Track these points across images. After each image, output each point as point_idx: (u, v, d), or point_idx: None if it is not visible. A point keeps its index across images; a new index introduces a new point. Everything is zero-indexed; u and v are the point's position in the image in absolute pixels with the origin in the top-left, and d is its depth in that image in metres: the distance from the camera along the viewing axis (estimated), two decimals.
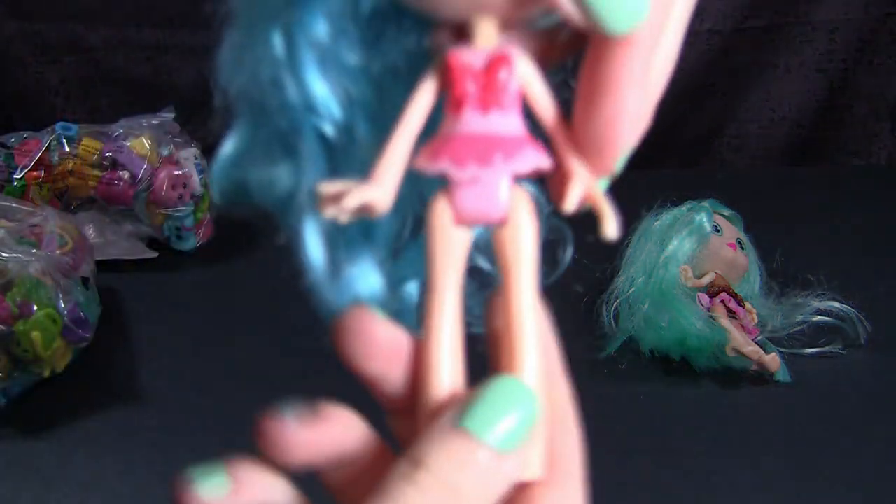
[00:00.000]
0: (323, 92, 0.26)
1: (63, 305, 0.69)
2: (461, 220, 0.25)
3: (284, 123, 0.26)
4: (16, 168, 0.90)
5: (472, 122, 0.25)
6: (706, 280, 0.75)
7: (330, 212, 0.24)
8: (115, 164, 0.89)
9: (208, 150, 0.91)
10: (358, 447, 0.26)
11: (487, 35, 0.25)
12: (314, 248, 0.26)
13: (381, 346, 0.26)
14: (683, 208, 0.78)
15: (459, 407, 0.24)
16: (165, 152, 0.91)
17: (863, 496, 0.60)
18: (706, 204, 0.79)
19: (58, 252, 0.72)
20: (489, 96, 0.25)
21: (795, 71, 1.19)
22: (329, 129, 0.26)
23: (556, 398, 0.27)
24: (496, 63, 0.25)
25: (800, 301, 0.77)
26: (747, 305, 0.74)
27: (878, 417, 0.68)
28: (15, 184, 0.89)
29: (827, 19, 1.16)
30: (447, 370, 0.26)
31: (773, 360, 0.70)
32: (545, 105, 0.26)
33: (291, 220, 0.26)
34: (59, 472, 0.63)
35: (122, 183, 0.89)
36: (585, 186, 0.25)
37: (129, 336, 0.78)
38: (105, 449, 0.65)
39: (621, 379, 0.73)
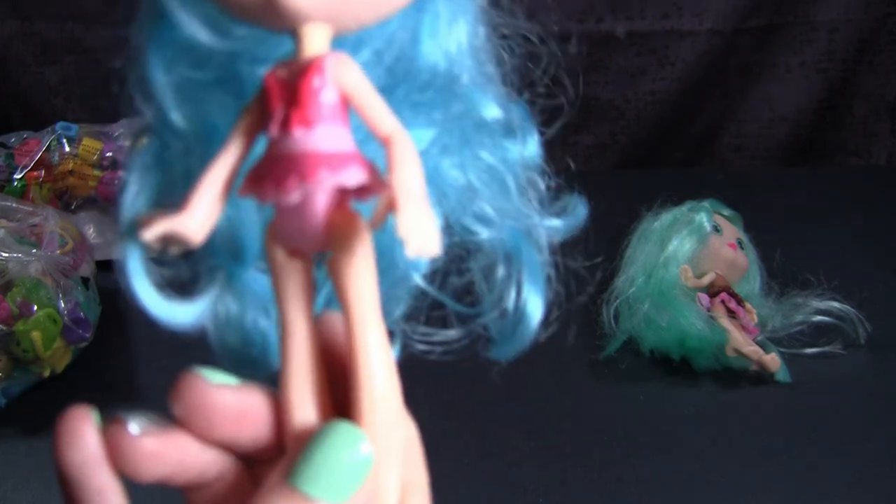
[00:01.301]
0: (168, 102, 0.24)
1: (63, 305, 0.69)
2: (290, 250, 0.24)
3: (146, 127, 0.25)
4: (16, 168, 0.90)
5: (281, 142, 0.22)
6: (706, 280, 0.75)
7: (142, 240, 0.23)
8: (115, 164, 0.89)
9: None
10: (214, 469, 0.25)
11: (312, 46, 0.23)
12: (136, 273, 0.25)
13: (222, 414, 0.24)
14: (683, 208, 0.78)
15: (289, 463, 0.23)
16: None
17: (863, 496, 0.60)
18: (706, 204, 0.79)
19: (58, 252, 0.72)
20: (293, 112, 0.22)
21: (795, 71, 1.19)
22: (166, 132, 0.25)
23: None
24: (304, 74, 0.22)
25: (800, 301, 0.77)
26: (747, 305, 0.74)
27: (878, 417, 0.68)
28: (15, 184, 0.89)
29: (827, 19, 1.16)
30: (301, 412, 0.24)
31: (773, 360, 0.70)
32: (373, 112, 0.23)
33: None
34: None
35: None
36: (388, 197, 0.22)
37: (129, 336, 0.78)
38: None
39: (621, 379, 0.72)
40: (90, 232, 0.90)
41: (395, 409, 0.24)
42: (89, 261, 0.76)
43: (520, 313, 0.28)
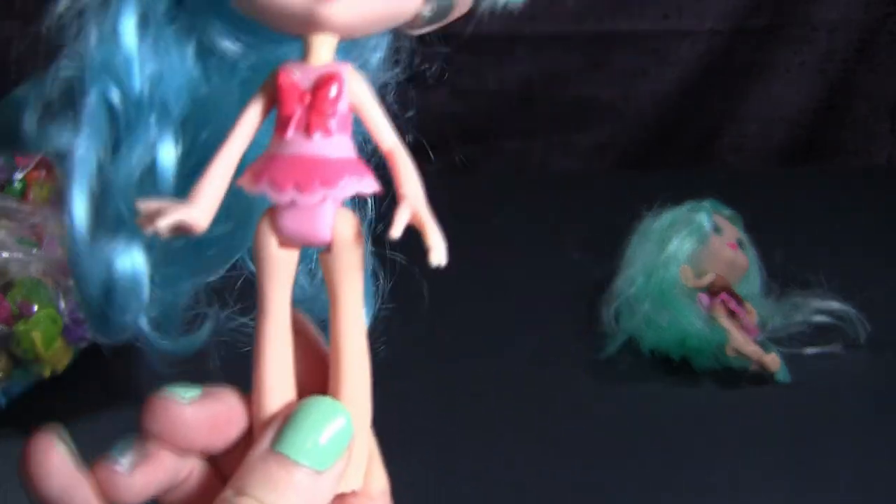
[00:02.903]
0: (130, 46, 0.24)
1: (63, 305, 0.69)
2: (284, 241, 0.25)
3: (74, 76, 0.25)
4: (16, 168, 0.90)
5: (296, 143, 0.24)
6: (706, 280, 0.75)
7: (148, 230, 0.24)
8: None
9: None
10: (186, 471, 0.27)
11: (322, 53, 0.25)
12: (79, 212, 0.25)
13: (198, 428, 0.26)
14: (683, 208, 0.78)
15: (274, 431, 0.25)
16: None
17: (863, 496, 0.61)
18: (706, 204, 0.79)
19: (58, 252, 0.72)
20: (315, 118, 0.24)
21: (795, 71, 1.19)
22: (116, 98, 0.25)
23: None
24: (325, 83, 0.24)
25: (800, 301, 0.77)
26: (747, 305, 0.74)
27: (878, 417, 0.68)
28: (15, 184, 0.89)
29: (827, 19, 1.16)
30: (278, 390, 0.26)
31: (773, 360, 0.70)
32: (379, 126, 0.25)
33: (63, 179, 0.25)
34: None
35: None
36: (412, 211, 0.24)
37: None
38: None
39: (621, 379, 0.72)
40: None
41: (367, 388, 0.26)
42: None
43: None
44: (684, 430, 0.67)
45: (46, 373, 0.69)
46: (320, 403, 0.25)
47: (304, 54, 0.25)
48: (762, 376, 0.71)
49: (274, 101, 0.25)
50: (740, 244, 0.78)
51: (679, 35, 1.15)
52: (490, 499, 0.61)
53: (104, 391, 0.71)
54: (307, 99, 0.24)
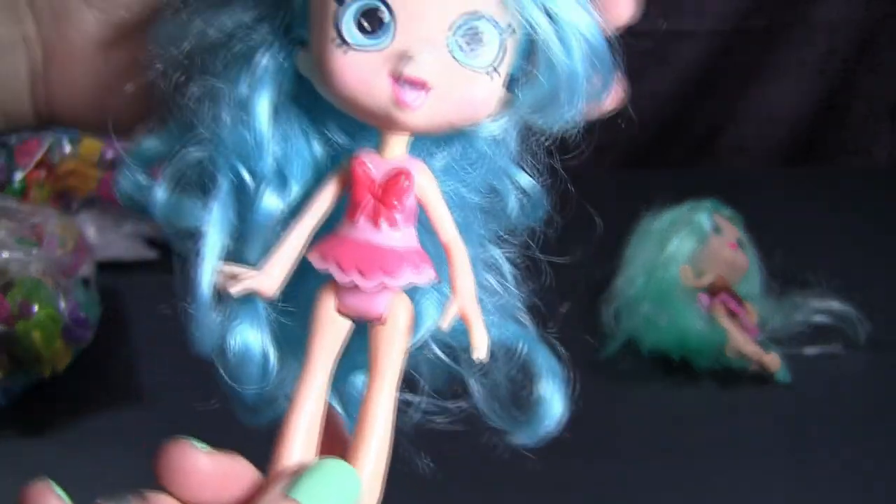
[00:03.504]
0: (264, 131, 0.26)
1: (63, 305, 0.69)
2: (343, 310, 0.27)
3: (207, 156, 0.27)
4: (16, 168, 0.90)
5: (364, 230, 0.26)
6: (706, 280, 0.75)
7: (223, 290, 0.27)
8: (115, 165, 0.89)
9: None
10: None
11: (396, 148, 0.27)
12: (205, 288, 0.27)
13: (206, 479, 0.27)
14: (683, 208, 0.78)
15: (289, 478, 0.26)
16: None
17: (863, 496, 0.61)
18: (706, 204, 0.79)
19: (58, 252, 0.72)
20: (383, 209, 0.26)
21: (795, 71, 1.19)
22: (248, 177, 0.27)
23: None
24: (395, 178, 0.26)
25: (800, 301, 0.77)
26: (747, 305, 0.74)
27: (878, 417, 0.68)
28: (15, 184, 0.89)
29: (827, 19, 1.16)
30: (300, 444, 0.27)
31: (773, 360, 0.70)
32: (442, 221, 0.27)
33: (188, 249, 0.27)
34: (60, 472, 0.63)
35: None
36: (460, 307, 0.27)
37: (129, 336, 0.78)
38: (105, 449, 0.65)
39: (621, 379, 0.73)
40: (90, 232, 0.90)
41: (383, 464, 0.27)
42: (89, 261, 0.76)
43: (536, 410, 0.31)
44: (684, 430, 0.67)
45: (46, 373, 0.69)
46: (337, 464, 0.27)
47: (378, 145, 0.27)
48: (762, 376, 0.71)
49: (347, 186, 0.27)
50: (740, 244, 0.78)
51: (679, 35, 1.15)
52: (490, 499, 0.61)
53: (104, 391, 0.71)
54: (378, 190, 0.26)
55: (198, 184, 0.28)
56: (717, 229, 0.77)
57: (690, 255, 0.75)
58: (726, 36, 1.16)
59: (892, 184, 1.11)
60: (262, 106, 0.26)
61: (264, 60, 0.26)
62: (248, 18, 0.27)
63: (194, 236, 0.27)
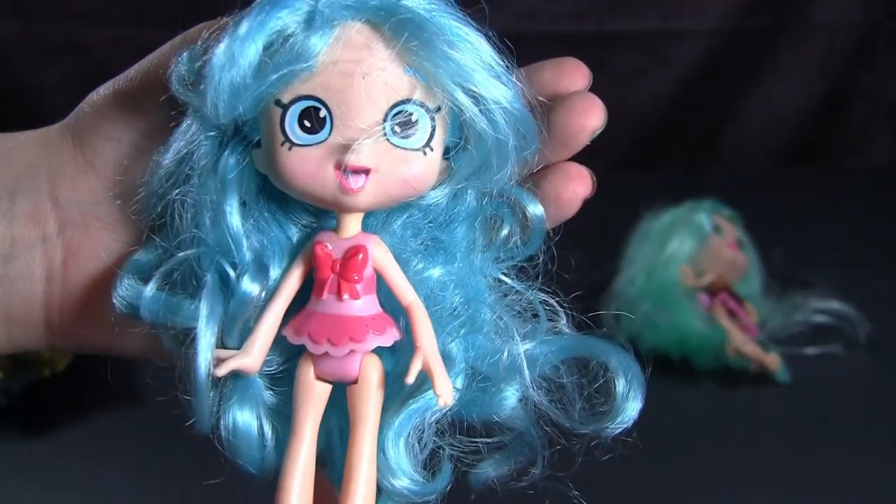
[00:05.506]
0: (237, 227, 0.29)
1: None
2: (321, 376, 0.30)
3: (193, 257, 0.30)
4: None
5: (329, 303, 0.29)
6: (706, 280, 0.75)
7: (215, 375, 0.30)
8: None
9: None
10: None
11: (350, 225, 0.30)
12: (202, 373, 0.29)
13: None
14: (683, 208, 0.78)
15: None
16: None
17: (863, 496, 0.61)
18: (706, 204, 0.79)
19: None
20: (345, 283, 0.29)
21: (795, 71, 1.19)
22: (230, 270, 0.30)
23: None
24: (353, 255, 0.29)
25: (800, 301, 0.77)
26: (747, 305, 0.74)
27: (878, 417, 0.68)
28: None
29: (827, 19, 1.16)
30: (303, 495, 0.30)
31: (773, 360, 0.70)
32: (399, 286, 0.30)
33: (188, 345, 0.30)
34: (59, 472, 0.63)
35: None
36: (423, 362, 0.29)
37: None
38: (105, 449, 0.65)
39: None
40: None
41: (372, 500, 0.30)
42: None
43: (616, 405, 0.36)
44: (684, 430, 0.67)
45: (46, 373, 0.69)
46: None
47: (336, 225, 0.30)
48: (762, 376, 0.71)
49: (311, 266, 0.30)
50: (740, 244, 0.78)
51: (679, 35, 1.15)
52: (488, 498, 0.61)
53: (104, 391, 0.71)
54: (338, 267, 0.29)
55: (185, 283, 0.30)
56: (716, 229, 0.77)
57: (690, 255, 0.75)
58: (726, 36, 1.16)
59: (892, 184, 1.11)
60: (231, 205, 0.29)
61: (229, 162, 0.29)
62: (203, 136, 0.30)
63: (187, 333, 0.30)
